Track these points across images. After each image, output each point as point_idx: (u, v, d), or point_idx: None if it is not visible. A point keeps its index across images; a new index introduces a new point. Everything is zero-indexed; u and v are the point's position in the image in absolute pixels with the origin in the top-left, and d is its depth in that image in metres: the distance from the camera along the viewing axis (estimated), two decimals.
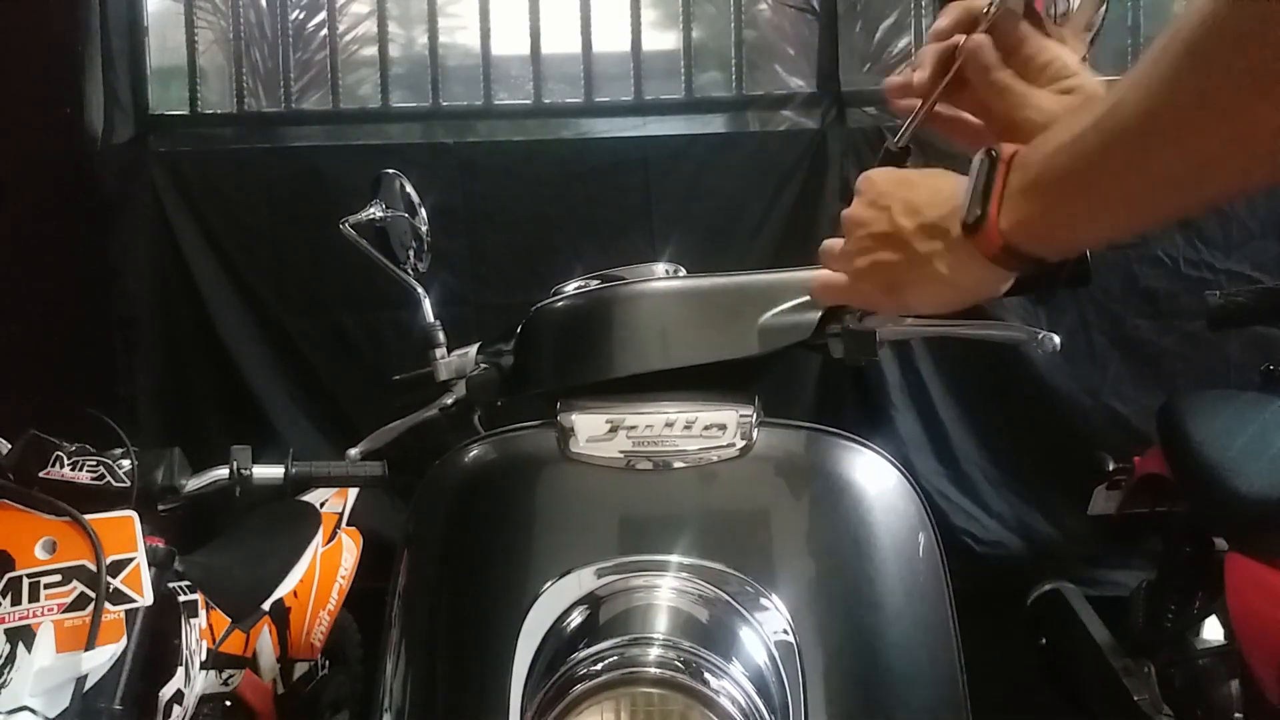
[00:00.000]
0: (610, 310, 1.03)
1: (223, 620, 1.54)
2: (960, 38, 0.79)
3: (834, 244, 0.80)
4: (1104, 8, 0.81)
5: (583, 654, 0.81)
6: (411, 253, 1.41)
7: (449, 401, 1.28)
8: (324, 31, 2.87)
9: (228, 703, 1.56)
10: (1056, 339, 0.81)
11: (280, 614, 1.76)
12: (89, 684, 1.20)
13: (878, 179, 0.76)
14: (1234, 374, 2.51)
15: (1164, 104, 0.54)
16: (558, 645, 0.85)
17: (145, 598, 1.24)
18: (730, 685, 0.78)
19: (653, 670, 0.78)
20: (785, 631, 0.86)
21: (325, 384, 2.75)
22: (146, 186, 2.72)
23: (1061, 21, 0.78)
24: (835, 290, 0.79)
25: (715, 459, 0.92)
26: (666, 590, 0.87)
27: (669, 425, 0.92)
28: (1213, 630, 1.71)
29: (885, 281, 0.74)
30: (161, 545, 1.35)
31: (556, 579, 0.88)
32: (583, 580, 0.88)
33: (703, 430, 0.92)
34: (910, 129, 0.84)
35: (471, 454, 1.00)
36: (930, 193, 0.72)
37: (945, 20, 0.81)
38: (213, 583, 1.53)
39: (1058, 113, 0.74)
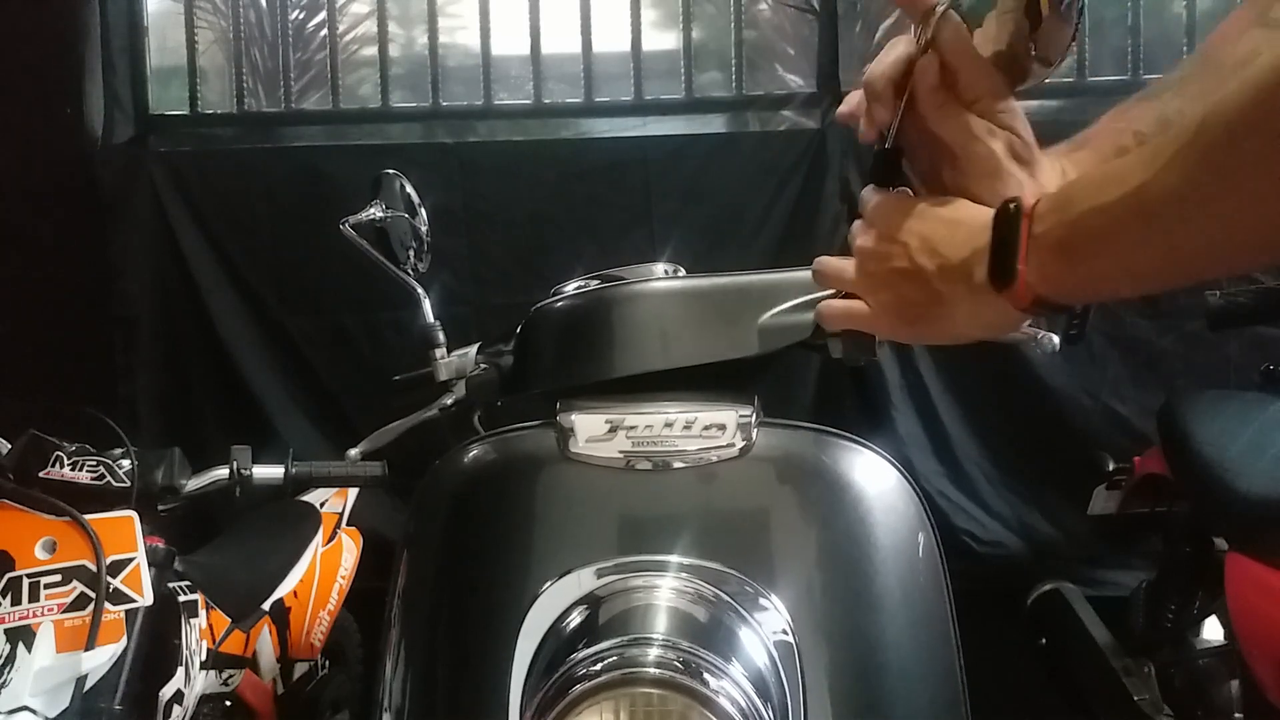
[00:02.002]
0: (610, 310, 1.03)
1: (223, 620, 1.54)
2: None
3: (837, 266, 0.78)
4: (1072, 38, 0.81)
5: (582, 654, 0.81)
6: (411, 253, 1.41)
7: (449, 402, 1.28)
8: (324, 31, 2.87)
9: (228, 703, 1.56)
10: (1055, 339, 0.81)
11: (280, 614, 1.76)
12: (89, 684, 1.20)
13: (888, 209, 0.75)
14: (1234, 374, 2.51)
15: (1201, 186, 0.55)
16: (557, 645, 0.85)
17: (145, 598, 1.24)
18: (730, 685, 0.78)
19: (652, 670, 0.78)
20: (785, 631, 0.86)
21: (325, 384, 2.75)
22: (146, 186, 2.72)
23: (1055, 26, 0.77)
24: (854, 319, 0.78)
25: (715, 459, 0.92)
26: (666, 590, 0.87)
27: (669, 425, 0.92)
28: (1213, 630, 1.71)
29: (908, 316, 0.73)
30: (161, 545, 1.35)
31: (556, 579, 0.88)
32: (582, 580, 0.88)
33: (702, 430, 0.92)
34: (896, 129, 0.83)
35: (471, 454, 1.00)
36: (947, 229, 0.71)
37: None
38: (213, 583, 1.53)
39: (1001, 154, 0.73)
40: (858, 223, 0.77)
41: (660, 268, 1.19)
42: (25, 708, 1.14)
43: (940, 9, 0.72)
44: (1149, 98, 0.81)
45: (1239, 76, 0.52)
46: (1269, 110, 0.51)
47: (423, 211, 1.44)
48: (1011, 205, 0.65)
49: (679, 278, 1.14)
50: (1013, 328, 0.71)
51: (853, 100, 0.80)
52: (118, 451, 1.34)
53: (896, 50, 0.78)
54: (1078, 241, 0.62)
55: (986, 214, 0.68)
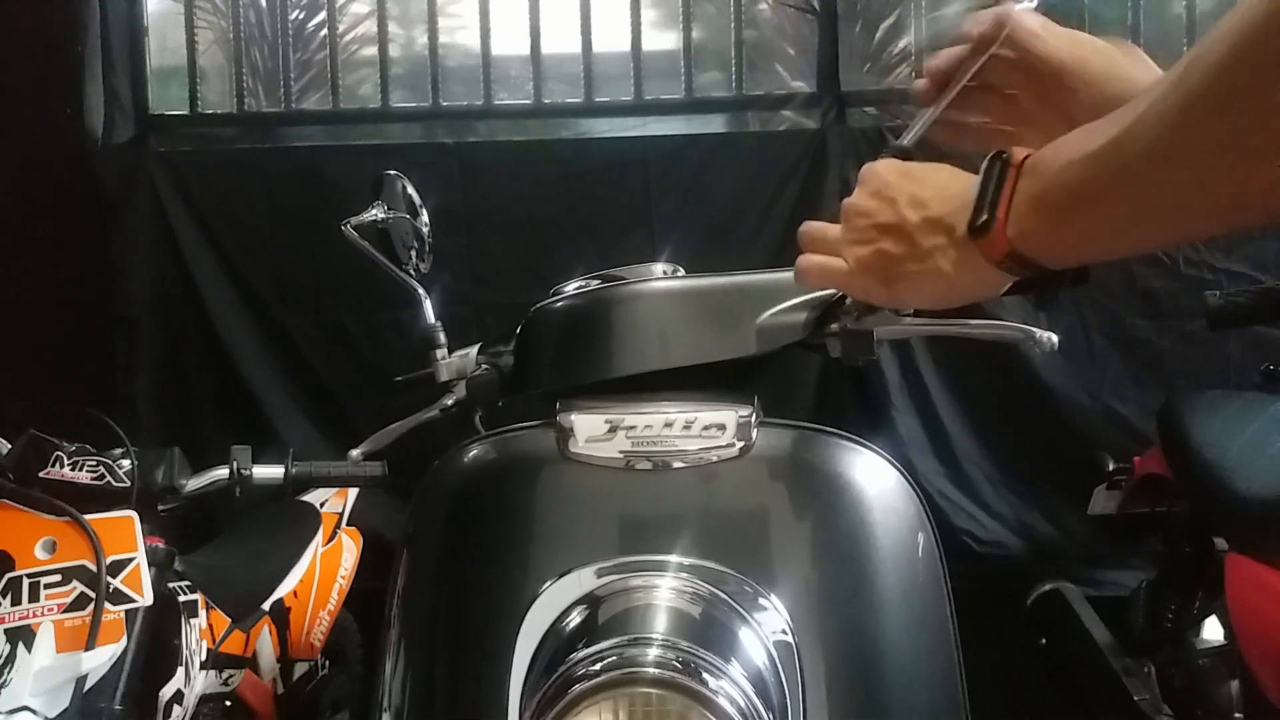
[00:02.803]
0: (609, 310, 1.03)
1: (223, 620, 1.54)
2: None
3: (820, 228, 0.79)
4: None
5: (582, 654, 0.80)
6: (413, 254, 1.41)
7: (450, 402, 1.28)
8: (324, 31, 2.87)
9: (228, 703, 1.56)
10: (1054, 338, 0.81)
11: (280, 614, 1.76)
12: (89, 684, 1.20)
13: (882, 170, 0.76)
14: (1234, 374, 2.51)
15: (1181, 137, 0.53)
16: (557, 645, 0.85)
17: (145, 598, 1.24)
18: (729, 685, 0.78)
19: (651, 670, 0.78)
20: (784, 631, 0.86)
21: (325, 384, 2.75)
22: (146, 186, 2.72)
23: None
24: (829, 275, 0.78)
25: (714, 459, 0.92)
26: (666, 590, 0.87)
27: (668, 425, 0.92)
28: (1213, 630, 1.71)
29: (884, 273, 0.73)
30: (161, 545, 1.35)
31: (556, 579, 0.88)
32: (582, 580, 0.88)
33: (702, 430, 0.92)
34: (920, 131, 0.84)
35: (471, 454, 1.00)
36: (936, 187, 0.71)
37: (976, 28, 0.81)
38: (213, 583, 1.53)
39: (1111, 64, 0.75)
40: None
41: (659, 268, 1.19)
42: (25, 708, 1.14)
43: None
44: None
45: (1223, 23, 0.49)
46: (1254, 47, 0.48)
47: (424, 212, 1.44)
48: (1003, 155, 0.65)
49: (678, 278, 1.13)
50: (990, 292, 0.70)
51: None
52: (118, 451, 1.34)
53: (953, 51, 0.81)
54: (1056, 196, 0.61)
55: (972, 176, 0.68)
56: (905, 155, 0.83)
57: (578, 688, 0.78)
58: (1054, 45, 0.80)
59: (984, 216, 0.65)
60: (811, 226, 0.80)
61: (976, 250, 0.66)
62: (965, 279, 0.69)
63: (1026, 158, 0.64)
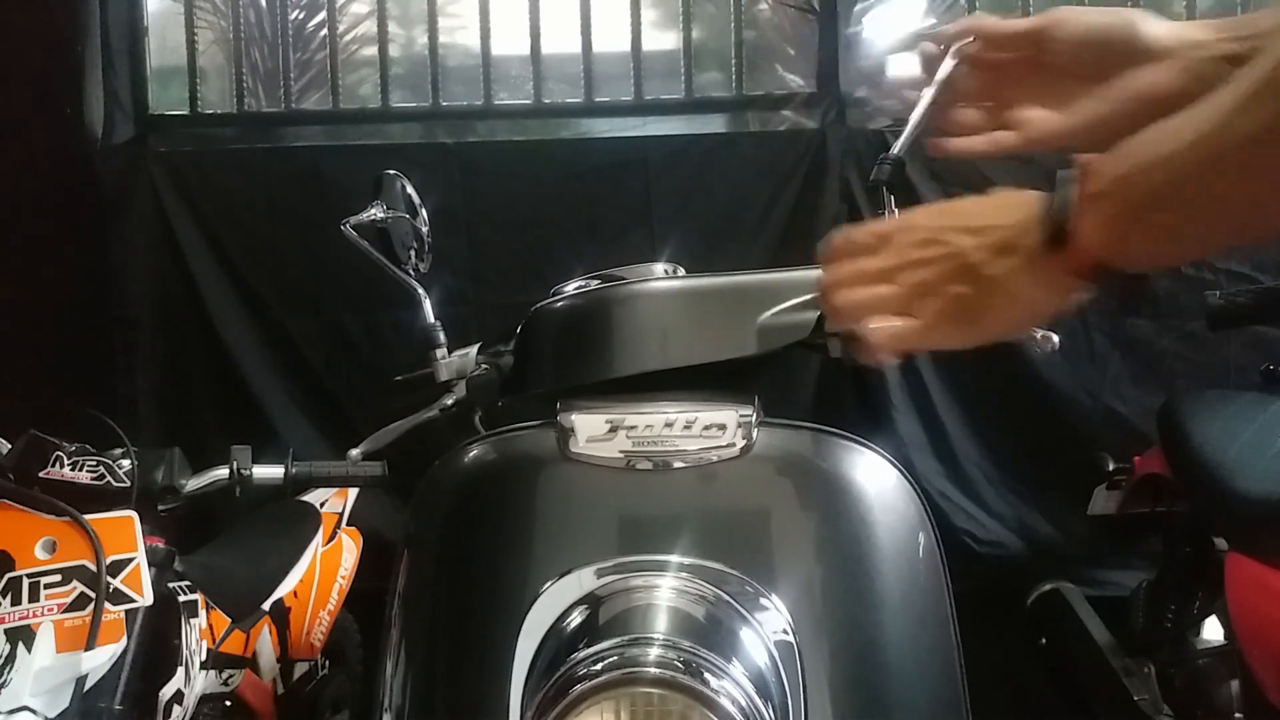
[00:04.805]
0: (609, 310, 1.03)
1: (223, 620, 1.54)
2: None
3: (866, 295, 0.74)
4: None
5: (582, 654, 0.81)
6: (412, 254, 1.41)
7: (450, 402, 1.28)
8: (324, 31, 2.86)
9: (228, 703, 1.56)
10: (1056, 338, 0.81)
11: (280, 614, 1.76)
12: (89, 684, 1.20)
13: (919, 218, 0.73)
14: (1234, 374, 2.51)
15: (1266, 131, 0.53)
16: (557, 645, 0.85)
17: (145, 598, 1.24)
18: (730, 685, 0.78)
19: (652, 670, 0.78)
20: (785, 631, 0.86)
21: (325, 384, 2.75)
22: (146, 186, 2.72)
23: None
24: (907, 338, 0.73)
25: (715, 459, 0.92)
26: (666, 590, 0.87)
27: (669, 425, 0.92)
28: (1213, 630, 1.71)
29: (965, 316, 0.70)
30: (161, 545, 1.35)
31: (556, 579, 0.88)
32: (583, 580, 0.88)
33: (702, 430, 0.92)
34: (910, 139, 0.84)
35: (471, 454, 1.00)
36: (988, 213, 0.69)
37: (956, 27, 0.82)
38: (213, 583, 1.53)
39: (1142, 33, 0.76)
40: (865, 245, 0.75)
41: (659, 268, 1.19)
42: (25, 708, 1.14)
43: None
44: None
45: None
46: None
47: (423, 212, 1.44)
48: (1072, 165, 0.64)
49: (678, 278, 1.14)
50: (1064, 305, 0.68)
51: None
52: (118, 451, 1.34)
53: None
54: (1138, 196, 0.60)
55: (1027, 191, 0.67)
56: (899, 164, 0.83)
57: (579, 688, 0.78)
58: (1024, 21, 0.81)
59: (1059, 225, 0.63)
60: (853, 296, 0.75)
61: (1054, 263, 0.65)
62: (1044, 296, 0.68)
63: (1093, 161, 0.63)
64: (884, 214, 0.97)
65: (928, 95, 0.83)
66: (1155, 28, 0.79)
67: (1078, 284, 0.66)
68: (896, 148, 0.85)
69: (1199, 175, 0.57)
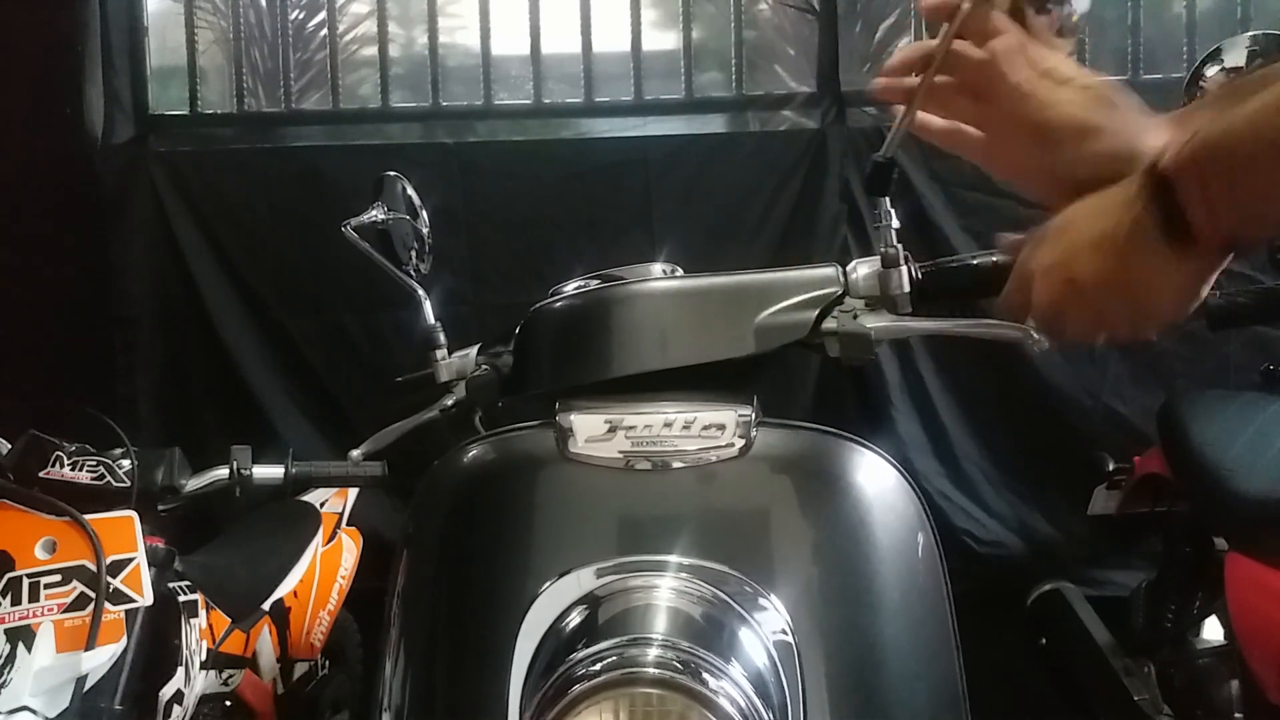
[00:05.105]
0: (609, 310, 1.03)
1: (223, 620, 1.54)
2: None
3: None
4: (1080, 23, 0.82)
5: (581, 654, 0.81)
6: (413, 254, 1.41)
7: (450, 403, 1.28)
8: (324, 31, 2.87)
9: (228, 703, 1.56)
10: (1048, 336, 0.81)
11: (280, 614, 1.76)
12: (89, 684, 1.20)
13: (1032, 262, 0.74)
14: (1234, 374, 2.51)
15: None
16: (556, 645, 0.85)
17: (145, 598, 1.24)
18: (729, 685, 0.78)
19: (651, 670, 0.78)
20: (784, 632, 0.86)
21: (325, 384, 2.75)
22: (146, 186, 2.72)
23: (1051, 23, 0.79)
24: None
25: (714, 459, 0.92)
26: (665, 590, 0.87)
27: (668, 425, 0.92)
28: (1213, 630, 1.71)
29: (1120, 324, 0.73)
30: (161, 545, 1.35)
31: (555, 579, 0.88)
32: (582, 580, 0.88)
33: (702, 430, 0.92)
34: (896, 140, 0.84)
35: (470, 454, 1.00)
36: (1089, 218, 0.71)
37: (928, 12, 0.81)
38: (213, 583, 1.53)
39: (1083, 112, 0.75)
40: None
41: (659, 268, 1.19)
42: (25, 708, 1.15)
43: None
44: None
45: None
46: None
47: (424, 213, 1.44)
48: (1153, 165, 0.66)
49: (678, 278, 1.14)
50: (1209, 276, 0.70)
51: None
52: (118, 451, 1.34)
53: (910, 50, 0.80)
54: (1220, 165, 0.63)
55: (1113, 190, 0.70)
56: (889, 166, 0.83)
57: (578, 688, 0.78)
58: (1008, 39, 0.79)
59: (1168, 210, 0.66)
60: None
61: (1179, 244, 0.67)
62: (1181, 279, 0.69)
63: (1167, 153, 0.66)
64: (879, 216, 0.97)
65: (918, 96, 0.82)
66: (1148, 141, 0.77)
67: (1209, 257, 0.68)
68: (885, 149, 0.85)
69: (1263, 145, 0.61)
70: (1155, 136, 0.73)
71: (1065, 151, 0.76)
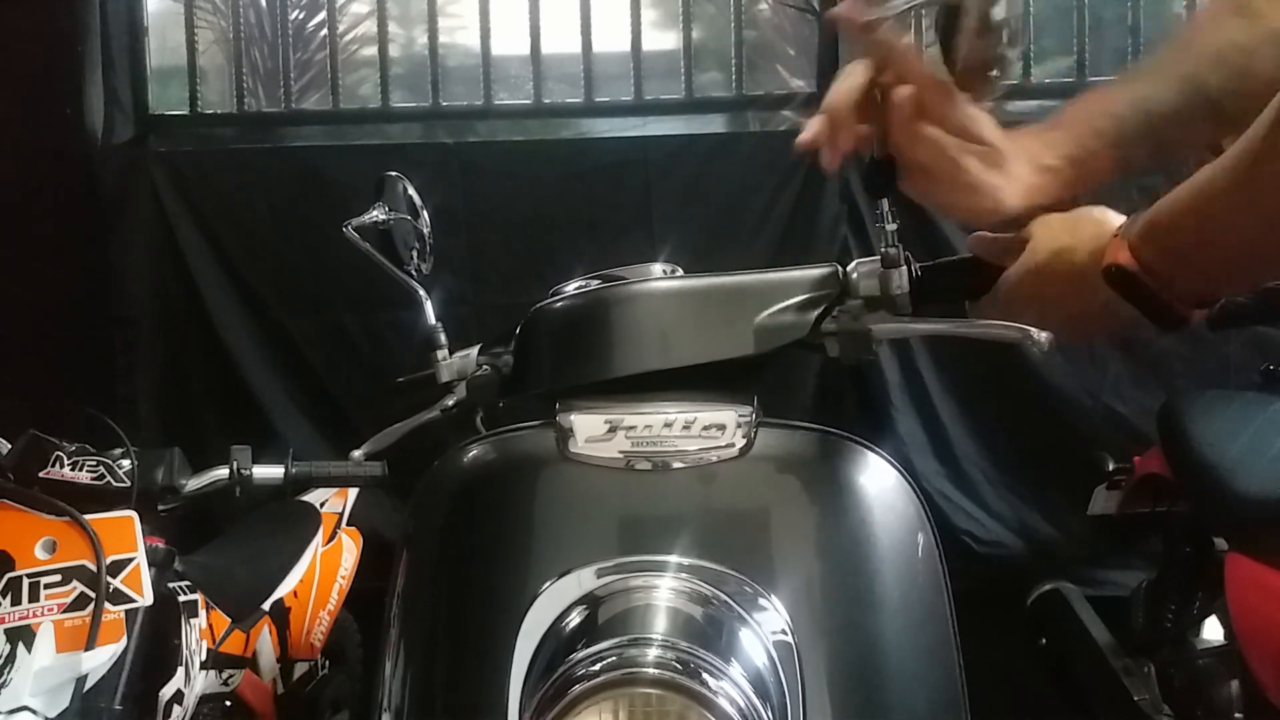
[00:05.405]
0: (609, 310, 1.03)
1: (223, 620, 1.54)
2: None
3: None
4: (1013, 48, 0.84)
5: (581, 654, 0.81)
6: (414, 254, 1.41)
7: (450, 403, 1.28)
8: (324, 31, 2.87)
9: (228, 703, 1.56)
10: (1050, 337, 0.81)
11: (280, 614, 1.76)
12: (89, 684, 1.20)
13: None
14: (1234, 374, 2.51)
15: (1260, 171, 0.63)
16: (556, 645, 0.85)
17: (145, 598, 1.24)
18: (729, 686, 0.78)
19: (651, 671, 0.78)
20: (784, 632, 0.86)
21: (325, 384, 2.75)
22: (146, 186, 2.71)
23: (986, 39, 0.81)
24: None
25: (714, 459, 0.92)
26: (665, 591, 0.87)
27: (668, 425, 0.92)
28: (1213, 630, 1.71)
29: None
30: (161, 545, 1.35)
31: (555, 579, 0.88)
32: (582, 580, 0.88)
33: (702, 430, 0.92)
34: (883, 140, 0.85)
35: (470, 454, 1.00)
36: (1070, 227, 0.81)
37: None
38: (213, 583, 1.53)
39: (974, 168, 0.82)
40: None
41: (659, 268, 1.19)
42: (25, 708, 1.15)
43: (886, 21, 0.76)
44: (1125, 82, 0.84)
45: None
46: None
47: (425, 213, 1.44)
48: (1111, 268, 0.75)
49: (678, 278, 1.14)
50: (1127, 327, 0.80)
51: (814, 127, 0.84)
52: (118, 451, 1.34)
53: (855, 76, 0.81)
54: (1170, 241, 0.72)
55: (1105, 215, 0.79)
56: (888, 165, 0.85)
57: (578, 688, 0.78)
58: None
59: (1161, 313, 0.77)
60: None
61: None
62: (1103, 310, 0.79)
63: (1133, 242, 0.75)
64: (879, 216, 0.98)
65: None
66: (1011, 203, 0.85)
67: (1188, 318, 0.77)
68: (878, 149, 0.85)
69: (1204, 213, 0.68)
70: (1014, 195, 0.83)
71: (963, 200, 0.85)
